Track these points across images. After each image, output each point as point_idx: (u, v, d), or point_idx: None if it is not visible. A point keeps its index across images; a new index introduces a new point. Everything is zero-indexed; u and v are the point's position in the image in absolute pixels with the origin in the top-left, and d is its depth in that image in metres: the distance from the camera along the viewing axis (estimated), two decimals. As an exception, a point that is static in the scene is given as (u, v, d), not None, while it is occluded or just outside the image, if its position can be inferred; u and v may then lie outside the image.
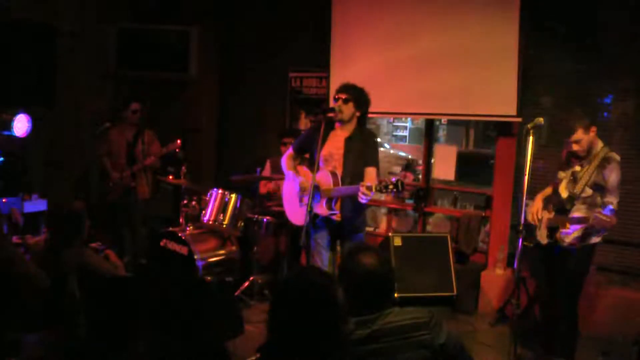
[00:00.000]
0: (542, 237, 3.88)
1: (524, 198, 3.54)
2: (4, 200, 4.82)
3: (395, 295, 4.64)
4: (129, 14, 6.67)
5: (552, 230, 3.82)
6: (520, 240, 3.49)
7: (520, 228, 3.63)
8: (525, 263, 4.25)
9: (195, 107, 6.86)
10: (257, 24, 6.75)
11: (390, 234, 5.32)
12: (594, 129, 3.73)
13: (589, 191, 3.69)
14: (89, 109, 6.31)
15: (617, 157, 3.72)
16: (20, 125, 4.80)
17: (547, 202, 3.97)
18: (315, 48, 6.20)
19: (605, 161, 3.69)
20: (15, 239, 4.21)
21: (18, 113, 4.77)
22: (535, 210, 3.94)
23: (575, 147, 3.75)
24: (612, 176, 3.66)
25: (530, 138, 3.49)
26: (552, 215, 3.87)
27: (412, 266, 5.09)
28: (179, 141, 5.42)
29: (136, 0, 6.74)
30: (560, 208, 3.83)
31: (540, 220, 3.92)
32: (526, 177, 3.50)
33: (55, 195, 5.67)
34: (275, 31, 6.60)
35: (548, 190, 4.04)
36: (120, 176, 5.63)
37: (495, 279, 5.24)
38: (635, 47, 4.76)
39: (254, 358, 3.46)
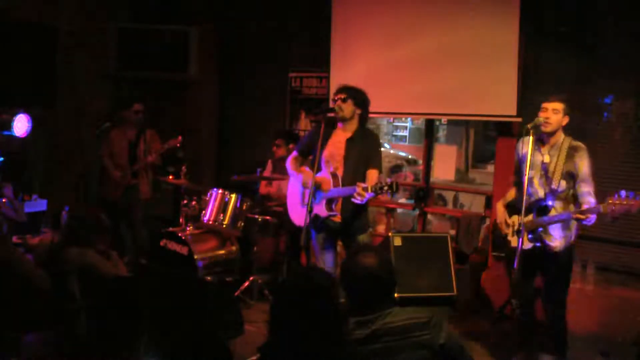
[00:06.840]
0: (522, 241, 3.73)
1: (524, 198, 3.53)
2: (3, 200, 4.81)
3: (395, 295, 4.63)
4: (129, 14, 6.68)
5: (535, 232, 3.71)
6: (520, 240, 3.48)
7: (520, 228, 3.61)
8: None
9: (195, 107, 6.85)
10: (257, 24, 6.75)
11: (390, 234, 5.31)
12: (567, 118, 3.64)
13: (563, 184, 3.63)
14: (89, 109, 6.31)
15: (584, 145, 3.65)
16: (20, 125, 4.81)
17: (512, 206, 3.89)
18: (315, 48, 6.19)
19: (572, 150, 3.62)
20: (15, 239, 4.22)
21: (18, 113, 4.77)
22: (502, 220, 3.89)
23: (543, 115, 3.58)
24: (584, 163, 3.58)
25: (530, 138, 3.48)
26: (529, 217, 3.71)
27: (412, 266, 5.07)
28: (179, 137, 5.43)
29: (136, 0, 6.74)
30: (539, 208, 3.69)
31: (513, 227, 3.84)
32: (526, 177, 3.50)
33: (55, 195, 5.67)
34: (275, 31, 6.59)
35: (509, 196, 3.98)
36: (122, 175, 5.63)
37: (495, 279, 5.24)
38: (635, 47, 4.76)
39: (254, 358, 3.47)
